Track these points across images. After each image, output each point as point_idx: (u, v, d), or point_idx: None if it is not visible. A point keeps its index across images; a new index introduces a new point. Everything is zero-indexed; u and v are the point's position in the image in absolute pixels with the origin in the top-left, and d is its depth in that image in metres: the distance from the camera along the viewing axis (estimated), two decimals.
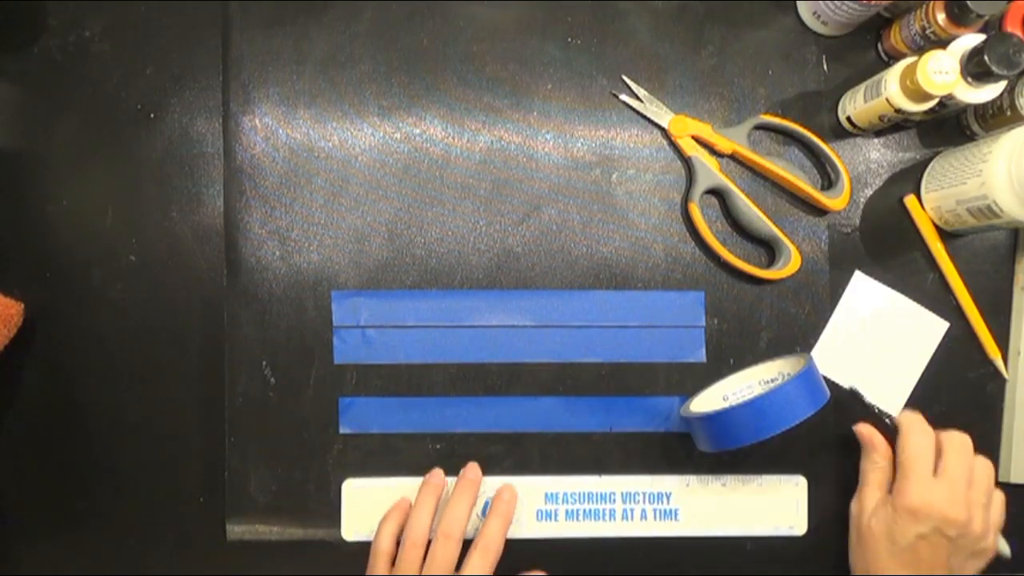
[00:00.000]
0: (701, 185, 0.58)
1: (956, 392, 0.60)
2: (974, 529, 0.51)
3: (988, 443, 0.60)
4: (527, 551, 0.57)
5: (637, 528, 0.58)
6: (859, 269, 0.60)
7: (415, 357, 0.58)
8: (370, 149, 0.59)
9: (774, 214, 0.59)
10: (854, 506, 0.56)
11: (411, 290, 0.58)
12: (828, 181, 0.60)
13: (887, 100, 0.54)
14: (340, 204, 0.58)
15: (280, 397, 0.57)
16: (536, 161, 0.59)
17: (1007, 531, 0.59)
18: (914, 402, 0.60)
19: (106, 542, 0.56)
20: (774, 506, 0.58)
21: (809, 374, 0.52)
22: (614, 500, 0.58)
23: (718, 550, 0.58)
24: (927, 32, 0.55)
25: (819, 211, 0.60)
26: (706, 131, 0.58)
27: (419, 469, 0.57)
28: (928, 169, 0.60)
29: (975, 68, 0.52)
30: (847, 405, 0.58)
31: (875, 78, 0.56)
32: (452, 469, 0.57)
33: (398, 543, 0.54)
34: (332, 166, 0.58)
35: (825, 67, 0.61)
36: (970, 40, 0.53)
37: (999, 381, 0.60)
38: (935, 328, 0.60)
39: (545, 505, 0.58)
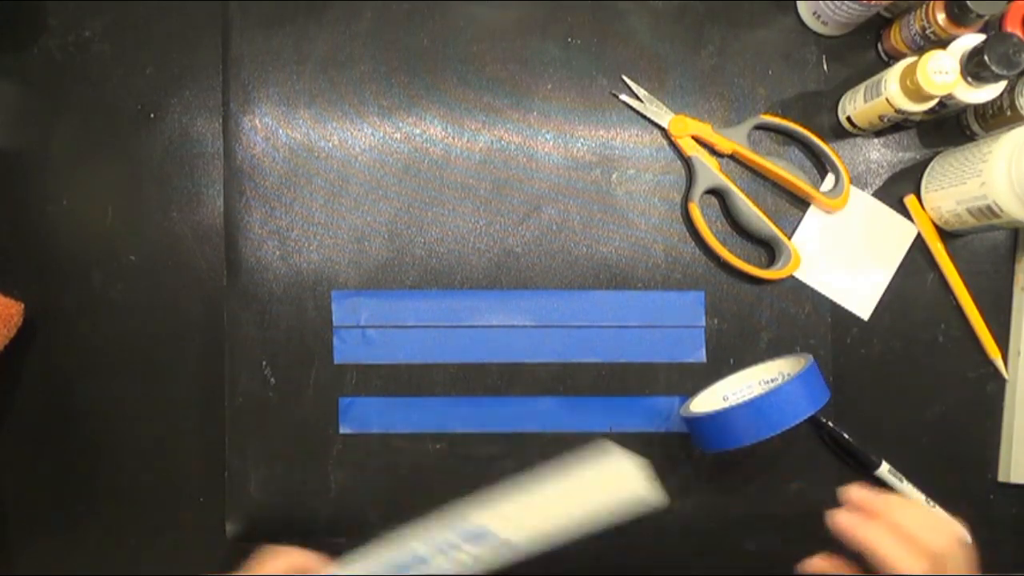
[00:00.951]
0: (701, 185, 0.58)
1: (956, 392, 0.60)
2: None
3: (988, 443, 0.60)
4: None
5: None
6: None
7: (415, 357, 0.58)
8: (370, 149, 0.59)
9: (774, 214, 0.59)
10: None
11: (411, 290, 0.58)
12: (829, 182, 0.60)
13: (887, 100, 0.54)
14: (340, 204, 0.58)
15: (280, 397, 0.57)
16: (536, 161, 0.59)
17: (1007, 532, 0.59)
18: (910, 410, 0.60)
19: (106, 542, 0.56)
20: None
21: (809, 374, 0.52)
22: None
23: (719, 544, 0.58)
24: (927, 32, 0.55)
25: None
26: (706, 131, 0.58)
27: (419, 469, 0.57)
28: (928, 169, 0.60)
29: (975, 68, 0.52)
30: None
31: (875, 78, 0.56)
32: (452, 469, 0.57)
33: None
34: (332, 166, 0.58)
35: (825, 67, 0.61)
36: (970, 40, 0.53)
37: (999, 381, 0.60)
38: (905, 232, 0.60)
39: None
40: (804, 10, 0.60)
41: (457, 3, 0.59)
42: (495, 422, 0.58)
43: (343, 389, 0.58)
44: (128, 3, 0.58)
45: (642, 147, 0.60)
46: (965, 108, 0.58)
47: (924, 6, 0.55)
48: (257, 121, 0.58)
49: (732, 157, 0.59)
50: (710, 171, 0.58)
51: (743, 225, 0.58)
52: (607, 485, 0.45)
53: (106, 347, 0.57)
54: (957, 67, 0.52)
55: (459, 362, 0.58)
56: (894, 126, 0.60)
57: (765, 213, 0.58)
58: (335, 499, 0.57)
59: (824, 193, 0.58)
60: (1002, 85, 0.54)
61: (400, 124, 0.59)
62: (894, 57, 0.59)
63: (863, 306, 0.60)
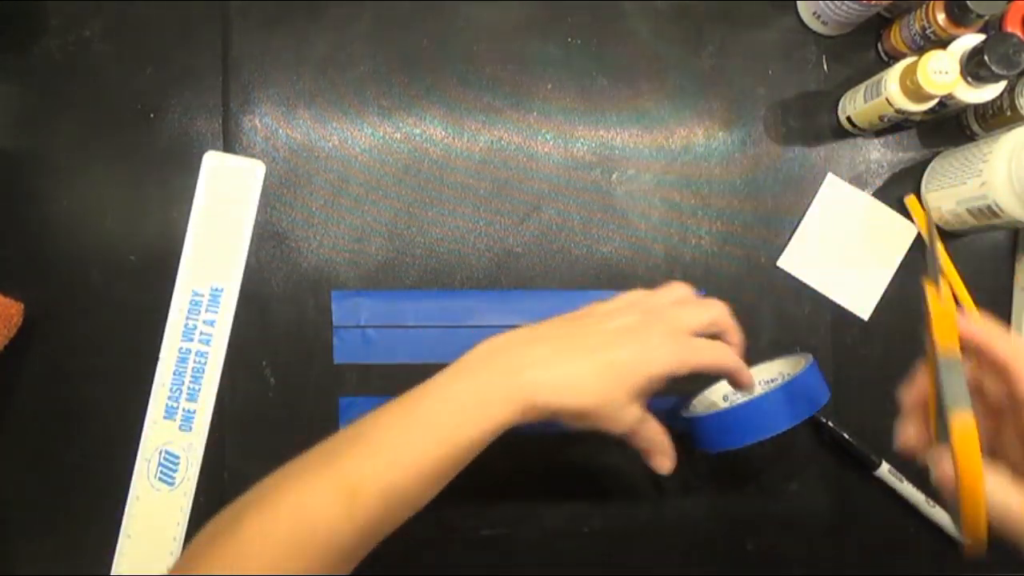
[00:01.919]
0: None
1: None
2: None
3: None
4: (539, 544, 0.57)
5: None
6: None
7: (415, 357, 0.58)
8: (370, 149, 0.59)
9: (775, 213, 0.59)
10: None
11: (411, 290, 0.58)
12: None
13: (887, 100, 0.54)
14: (340, 204, 0.58)
15: (280, 397, 0.57)
16: (536, 161, 0.59)
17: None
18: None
19: (106, 542, 0.56)
20: None
21: (809, 374, 0.52)
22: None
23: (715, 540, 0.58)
24: (927, 32, 0.55)
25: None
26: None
27: None
28: (928, 169, 0.60)
29: (975, 68, 0.52)
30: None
31: (875, 78, 0.56)
32: None
33: None
34: (332, 166, 0.58)
35: (825, 67, 0.61)
36: (970, 40, 0.53)
37: None
38: (905, 231, 0.60)
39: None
40: (804, 10, 0.60)
41: (457, 3, 0.59)
42: None
43: (343, 389, 0.58)
44: (128, 3, 0.58)
45: (642, 147, 0.60)
46: (965, 108, 0.58)
47: (924, 6, 0.55)
48: (257, 121, 0.58)
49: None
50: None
51: None
52: None
53: (106, 347, 0.57)
54: (957, 67, 0.52)
55: None
56: (894, 126, 0.60)
57: None
58: None
59: None
60: (1002, 85, 0.54)
61: (400, 124, 0.59)
62: (894, 57, 0.59)
63: (863, 306, 0.60)
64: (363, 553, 0.45)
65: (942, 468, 0.38)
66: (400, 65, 0.59)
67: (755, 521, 0.59)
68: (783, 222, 0.60)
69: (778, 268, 0.59)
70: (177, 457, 0.57)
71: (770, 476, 0.59)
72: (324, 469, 0.44)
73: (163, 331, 0.57)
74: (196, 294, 0.57)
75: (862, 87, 0.57)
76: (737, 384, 0.48)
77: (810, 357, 0.54)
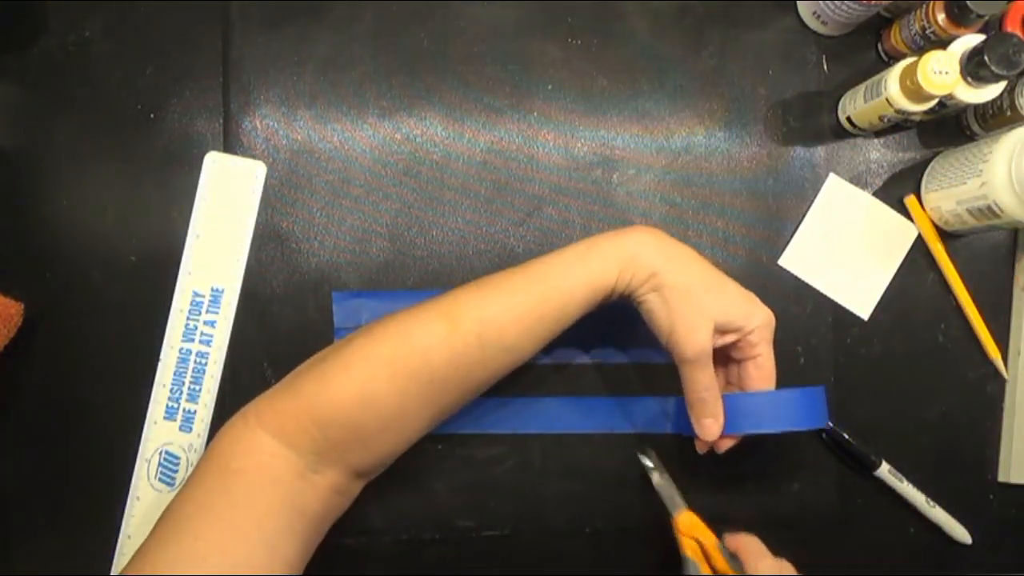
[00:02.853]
0: None
1: (956, 392, 0.60)
2: None
3: (988, 443, 0.60)
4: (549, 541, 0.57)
5: None
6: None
7: None
8: (371, 150, 0.59)
9: (776, 212, 0.59)
10: None
11: (412, 291, 0.58)
12: None
13: (887, 100, 0.54)
14: (341, 205, 0.58)
15: None
16: (537, 162, 0.59)
17: (1007, 531, 0.59)
18: (910, 410, 0.60)
19: (106, 542, 0.56)
20: None
21: (819, 392, 0.51)
22: None
23: None
24: (927, 32, 0.55)
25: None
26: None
27: (419, 470, 0.57)
28: (928, 169, 0.60)
29: (975, 68, 0.52)
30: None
31: (875, 78, 0.56)
32: (453, 470, 0.57)
33: None
34: (333, 167, 0.58)
35: (825, 67, 0.61)
36: (970, 40, 0.53)
37: (999, 381, 0.60)
38: (906, 232, 0.60)
39: None
40: (804, 10, 0.60)
41: (457, 3, 0.59)
42: (495, 423, 0.58)
43: None
44: (128, 3, 0.58)
45: (643, 147, 0.60)
46: (965, 108, 0.58)
47: (924, 6, 0.55)
48: (257, 122, 0.58)
49: None
50: None
51: None
52: None
53: (106, 347, 0.57)
54: (957, 67, 0.52)
55: None
56: (894, 126, 0.60)
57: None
58: None
59: None
60: (1002, 85, 0.54)
61: (400, 125, 0.59)
62: (894, 57, 0.59)
63: (863, 306, 0.60)
64: (456, 395, 0.48)
65: None
66: (400, 65, 0.59)
67: (755, 521, 0.59)
68: (783, 222, 0.60)
69: (779, 267, 0.59)
70: (177, 457, 0.57)
71: (770, 476, 0.59)
72: (432, 303, 0.47)
73: (163, 331, 0.57)
74: (197, 295, 0.57)
75: (862, 87, 0.57)
76: None
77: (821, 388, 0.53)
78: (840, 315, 0.60)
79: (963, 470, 0.60)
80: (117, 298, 0.57)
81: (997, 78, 0.52)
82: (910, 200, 0.60)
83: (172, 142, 0.58)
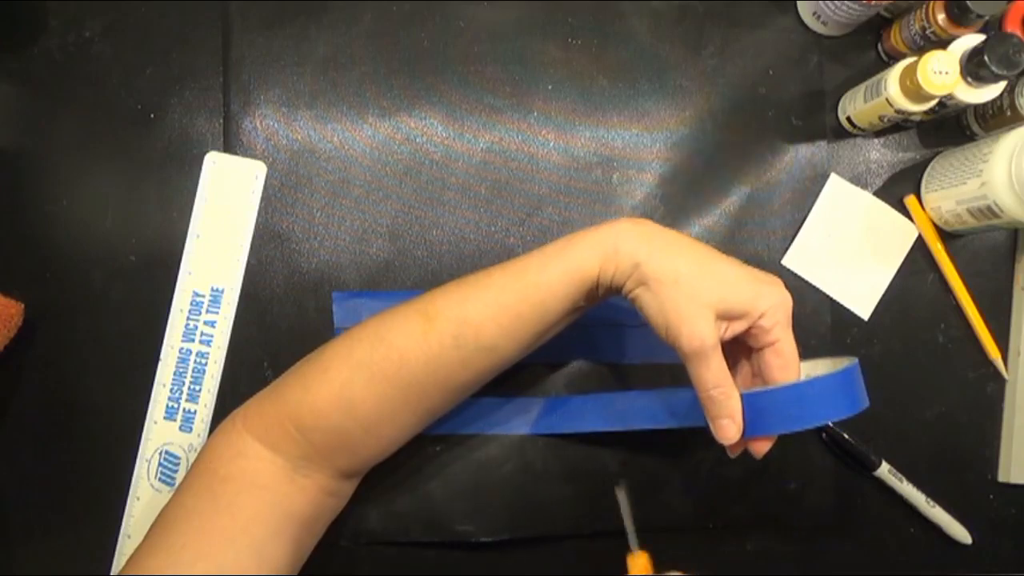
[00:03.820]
0: None
1: (956, 392, 0.60)
2: None
3: (988, 443, 0.60)
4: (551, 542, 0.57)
5: None
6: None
7: None
8: (371, 150, 0.59)
9: (776, 211, 0.59)
10: None
11: (412, 291, 0.58)
12: None
13: (887, 100, 0.54)
14: (341, 205, 0.58)
15: None
16: (537, 162, 0.59)
17: (1007, 531, 0.59)
18: (910, 410, 0.60)
19: (106, 542, 0.56)
20: None
21: (850, 374, 0.45)
22: None
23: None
24: (927, 32, 0.55)
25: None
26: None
27: (418, 471, 0.57)
28: (928, 169, 0.60)
29: (975, 68, 0.52)
30: None
31: (875, 78, 0.56)
32: (452, 471, 0.57)
33: None
34: (333, 167, 0.58)
35: (825, 67, 0.61)
36: (970, 40, 0.53)
37: (999, 381, 0.60)
38: (906, 232, 0.60)
39: None
40: (804, 10, 0.60)
41: (457, 3, 0.59)
42: (495, 423, 0.58)
43: None
44: (128, 3, 0.58)
45: (643, 147, 0.60)
46: (965, 108, 0.58)
47: (924, 6, 0.55)
48: (258, 122, 0.58)
49: None
50: None
51: None
52: None
53: (106, 347, 0.57)
54: (957, 67, 0.52)
55: None
56: (894, 126, 0.60)
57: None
58: None
59: None
60: (1002, 85, 0.54)
61: (401, 125, 0.59)
62: (894, 57, 0.59)
63: (863, 306, 0.60)
64: (438, 397, 0.46)
65: None
66: (400, 65, 0.59)
67: (755, 521, 0.59)
68: (783, 221, 0.60)
69: (782, 267, 0.59)
70: (177, 458, 0.57)
71: (770, 476, 0.59)
72: (411, 304, 0.46)
73: (163, 331, 0.57)
74: (197, 295, 0.57)
75: (862, 87, 0.57)
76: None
77: (854, 360, 0.47)
78: (840, 315, 0.60)
79: (963, 470, 0.60)
80: (117, 298, 0.57)
81: (997, 78, 0.52)
82: (910, 200, 0.60)
83: (172, 142, 0.58)
